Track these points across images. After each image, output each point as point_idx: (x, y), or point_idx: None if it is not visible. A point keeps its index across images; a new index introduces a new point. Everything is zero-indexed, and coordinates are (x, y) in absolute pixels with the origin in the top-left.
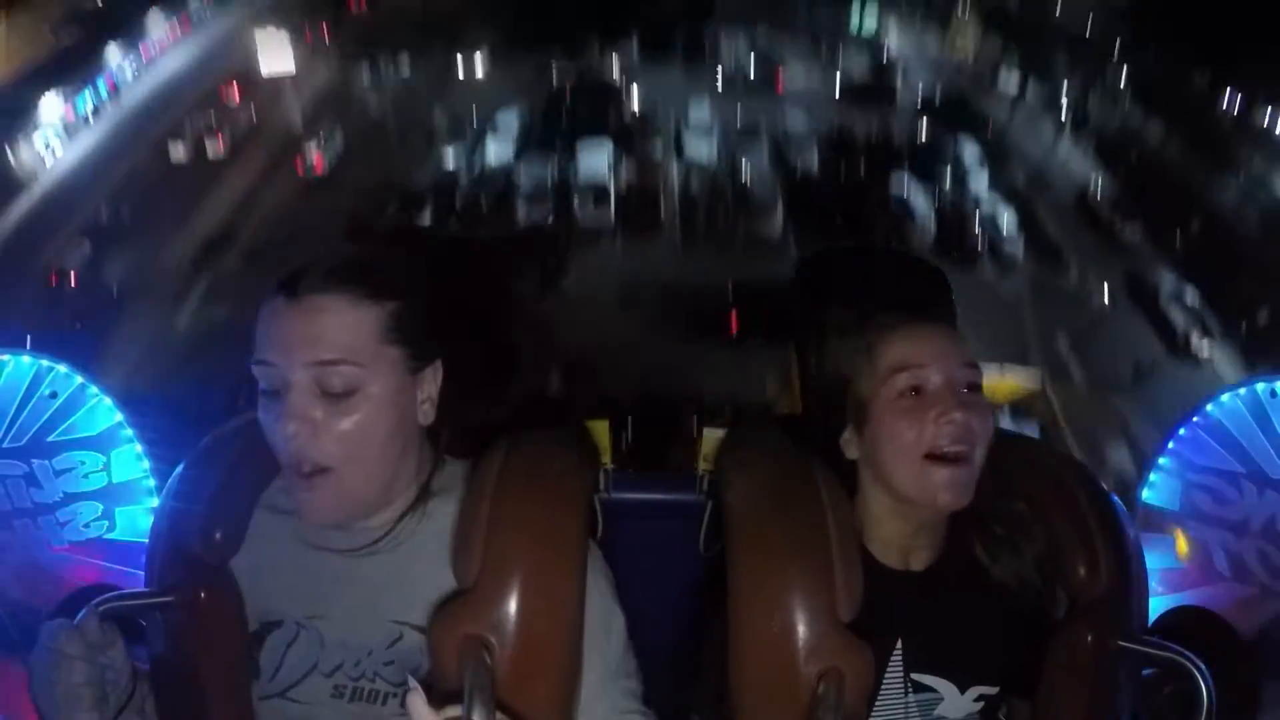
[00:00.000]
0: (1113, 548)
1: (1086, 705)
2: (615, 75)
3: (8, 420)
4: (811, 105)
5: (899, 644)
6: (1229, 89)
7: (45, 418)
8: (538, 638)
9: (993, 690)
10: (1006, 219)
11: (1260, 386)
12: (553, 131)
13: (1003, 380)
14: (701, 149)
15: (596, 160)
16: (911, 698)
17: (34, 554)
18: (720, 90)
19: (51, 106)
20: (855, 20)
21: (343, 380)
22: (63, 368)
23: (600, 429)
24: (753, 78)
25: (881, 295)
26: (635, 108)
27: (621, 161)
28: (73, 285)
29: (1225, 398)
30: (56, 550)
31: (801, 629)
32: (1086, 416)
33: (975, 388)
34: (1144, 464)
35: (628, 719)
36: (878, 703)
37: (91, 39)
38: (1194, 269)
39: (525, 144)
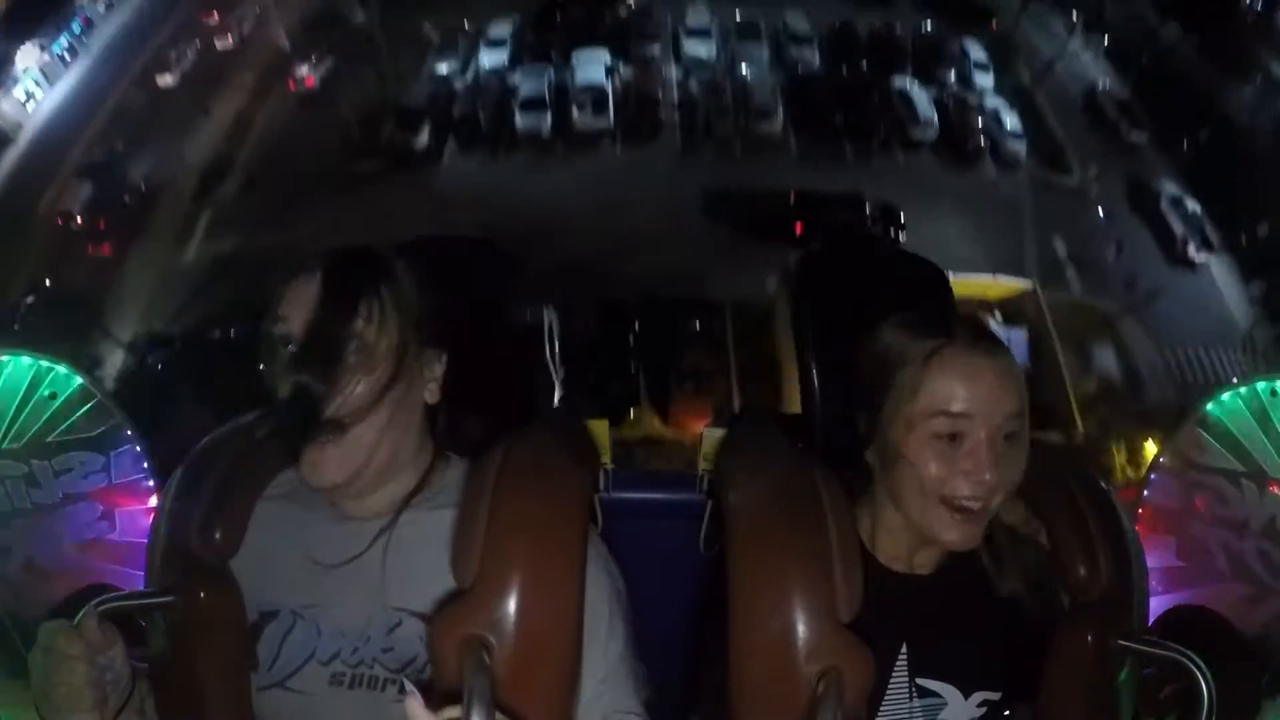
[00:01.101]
0: (1113, 548)
1: (1086, 705)
2: None
3: (7, 421)
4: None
5: (904, 649)
6: None
7: (45, 418)
8: (537, 638)
9: (996, 695)
10: (1010, 118)
11: (1260, 385)
12: (548, 39)
13: (995, 284)
14: (700, 51)
15: (593, 68)
16: (916, 703)
17: (34, 555)
18: None
19: (28, 55)
20: None
21: None
22: (62, 368)
23: (600, 429)
24: None
25: (933, 316)
26: (631, 3)
27: (619, 67)
28: (78, 224)
29: (1225, 397)
30: (56, 551)
31: (801, 629)
32: (1077, 323)
33: (1015, 435)
34: (1131, 373)
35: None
36: (883, 707)
37: None
38: (1200, 177)
39: (520, 53)
